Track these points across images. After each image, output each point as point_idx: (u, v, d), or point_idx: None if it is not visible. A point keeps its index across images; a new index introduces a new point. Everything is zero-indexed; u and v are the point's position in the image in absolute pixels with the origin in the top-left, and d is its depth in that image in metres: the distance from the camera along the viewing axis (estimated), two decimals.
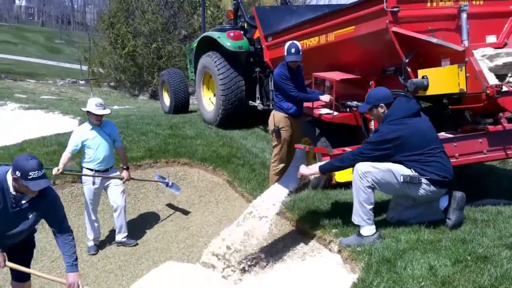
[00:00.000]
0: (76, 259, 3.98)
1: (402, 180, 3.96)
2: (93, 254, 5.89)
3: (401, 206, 4.35)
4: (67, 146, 5.88)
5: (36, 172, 3.50)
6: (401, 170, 3.99)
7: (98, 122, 5.81)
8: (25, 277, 4.20)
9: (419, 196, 4.06)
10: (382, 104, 4.18)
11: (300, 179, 4.56)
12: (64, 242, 3.95)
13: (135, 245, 6.01)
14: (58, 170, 5.69)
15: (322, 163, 4.40)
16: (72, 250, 3.95)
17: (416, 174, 3.96)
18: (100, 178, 5.87)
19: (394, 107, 4.14)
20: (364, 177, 3.99)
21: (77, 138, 5.81)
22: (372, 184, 4.00)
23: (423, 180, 3.96)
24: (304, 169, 4.42)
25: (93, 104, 5.71)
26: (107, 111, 5.87)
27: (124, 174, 6.04)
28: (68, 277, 3.88)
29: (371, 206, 4.03)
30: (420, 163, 3.98)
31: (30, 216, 3.81)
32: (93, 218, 5.95)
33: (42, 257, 5.76)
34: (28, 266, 4.12)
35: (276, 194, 4.73)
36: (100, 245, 6.05)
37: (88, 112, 5.77)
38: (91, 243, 5.97)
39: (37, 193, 3.67)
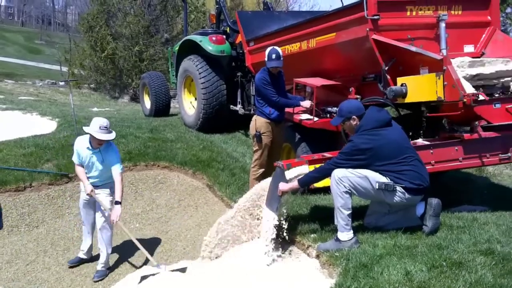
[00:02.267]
0: None
1: (377, 187, 4.02)
2: (71, 266, 5.60)
3: (378, 213, 4.39)
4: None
5: None
6: (376, 177, 4.04)
7: (97, 146, 5.24)
8: None
9: (394, 203, 4.12)
10: (354, 117, 4.24)
11: (281, 196, 4.58)
12: None
13: (97, 281, 5.37)
14: (91, 191, 5.30)
15: (300, 176, 4.43)
16: None
17: (391, 182, 4.02)
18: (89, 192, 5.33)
19: (366, 118, 4.20)
20: (341, 182, 4.04)
21: (75, 150, 5.38)
22: (349, 189, 4.04)
23: (398, 188, 4.02)
24: (283, 186, 4.45)
25: (97, 126, 5.09)
26: (111, 136, 5.22)
27: (113, 212, 5.22)
28: None
29: (349, 212, 4.07)
30: (394, 172, 4.04)
31: None
32: (84, 228, 5.63)
33: (16, 260, 5.66)
34: None
35: (266, 220, 4.66)
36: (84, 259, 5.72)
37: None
38: (79, 253, 5.68)
39: None
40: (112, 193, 5.40)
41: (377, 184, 4.02)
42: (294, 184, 4.40)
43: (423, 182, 4.07)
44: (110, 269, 5.56)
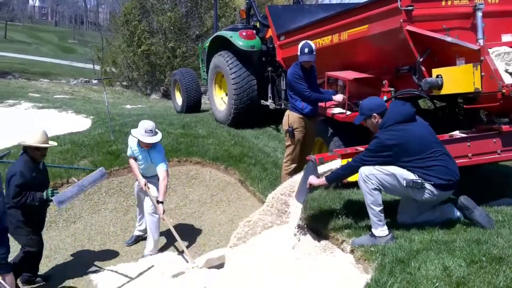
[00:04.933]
0: (4, 259, 3.64)
1: (405, 185, 3.95)
2: (128, 245, 6.07)
3: (411, 210, 4.32)
4: None
5: None
6: (404, 174, 3.97)
7: (145, 147, 5.57)
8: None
9: (423, 200, 4.05)
10: (375, 115, 4.18)
11: (310, 189, 4.60)
12: None
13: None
14: (145, 185, 5.65)
15: (328, 173, 4.42)
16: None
17: (420, 179, 3.94)
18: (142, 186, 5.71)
19: (389, 113, 4.14)
20: (368, 180, 4.00)
21: (128, 144, 5.78)
22: (377, 186, 3.99)
23: (427, 185, 3.94)
24: (313, 180, 4.45)
25: (143, 130, 5.43)
26: (156, 139, 5.53)
27: (158, 211, 5.54)
28: None
29: (380, 208, 4.03)
30: (422, 168, 3.96)
31: None
32: (138, 211, 6.10)
33: (55, 255, 5.80)
34: None
35: (293, 211, 4.79)
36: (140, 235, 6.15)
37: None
38: (135, 232, 6.17)
39: None
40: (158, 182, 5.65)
41: (404, 181, 3.95)
42: (323, 180, 4.39)
43: (452, 176, 3.97)
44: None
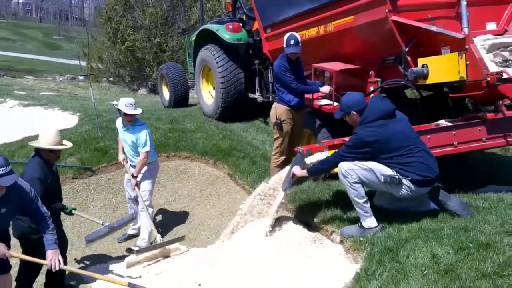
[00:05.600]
0: (56, 239, 4.11)
1: (382, 180, 3.98)
2: (119, 242, 6.07)
3: (387, 196, 4.35)
4: None
5: (4, 168, 3.59)
6: (382, 169, 4.00)
7: (127, 123, 5.77)
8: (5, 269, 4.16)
9: (401, 195, 4.08)
10: (353, 112, 4.19)
11: (293, 179, 4.65)
12: (45, 226, 4.08)
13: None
14: (123, 160, 5.97)
15: (310, 166, 4.46)
16: (51, 231, 4.09)
17: (397, 174, 3.96)
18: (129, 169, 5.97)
19: (369, 109, 4.14)
20: (348, 174, 4.03)
21: (117, 126, 6.08)
22: (358, 179, 4.02)
23: (404, 181, 3.96)
24: (296, 170, 4.50)
25: (123, 104, 5.66)
26: (138, 111, 5.77)
27: (132, 181, 5.83)
28: (48, 254, 3.99)
29: (364, 200, 4.06)
30: (400, 164, 3.98)
31: (2, 211, 3.86)
32: (129, 206, 6.15)
33: None
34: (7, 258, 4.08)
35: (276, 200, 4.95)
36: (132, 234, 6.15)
37: (119, 110, 5.71)
38: (128, 230, 6.15)
39: (5, 189, 3.72)
40: (150, 175, 5.91)
41: (382, 176, 3.98)
42: (305, 172, 4.44)
43: (430, 173, 4.00)
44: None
